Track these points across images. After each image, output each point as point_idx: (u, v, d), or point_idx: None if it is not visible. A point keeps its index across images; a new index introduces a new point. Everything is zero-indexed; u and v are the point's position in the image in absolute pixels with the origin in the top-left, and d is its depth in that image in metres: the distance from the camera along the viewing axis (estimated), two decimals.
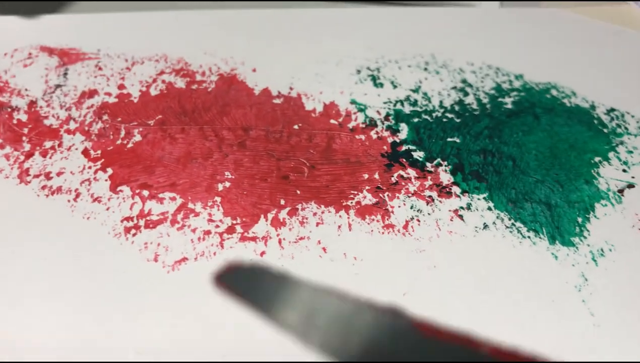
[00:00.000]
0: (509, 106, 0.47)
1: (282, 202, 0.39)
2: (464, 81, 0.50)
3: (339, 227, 0.38)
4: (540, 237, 0.38)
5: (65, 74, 0.49)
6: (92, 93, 0.48)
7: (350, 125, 0.45)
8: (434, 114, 0.46)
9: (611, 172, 0.43)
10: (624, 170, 0.43)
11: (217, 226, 0.38)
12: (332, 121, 0.46)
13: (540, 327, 0.34)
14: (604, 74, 0.52)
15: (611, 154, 0.44)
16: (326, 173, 0.42)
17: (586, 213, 0.39)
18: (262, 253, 0.36)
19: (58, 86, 0.49)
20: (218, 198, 0.39)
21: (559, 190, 0.41)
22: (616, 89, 0.50)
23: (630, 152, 0.44)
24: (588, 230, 0.39)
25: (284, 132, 0.44)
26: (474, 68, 0.51)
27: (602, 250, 0.37)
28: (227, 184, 0.40)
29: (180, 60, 0.51)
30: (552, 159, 0.43)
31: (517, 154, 0.43)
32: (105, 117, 0.45)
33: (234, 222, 0.38)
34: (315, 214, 0.39)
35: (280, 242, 0.37)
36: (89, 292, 0.35)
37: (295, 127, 0.45)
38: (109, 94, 0.49)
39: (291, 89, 0.48)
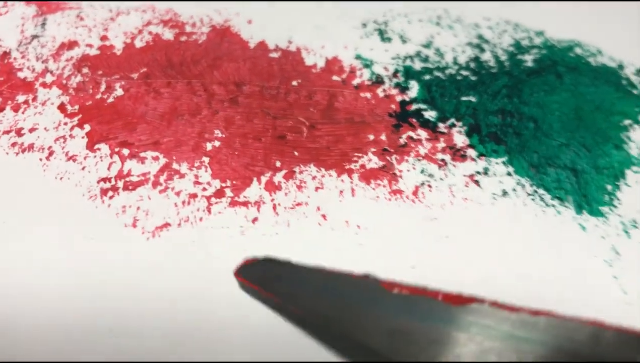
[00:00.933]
0: (529, 64, 0.42)
1: (278, 164, 0.35)
2: (480, 37, 0.44)
3: (341, 192, 0.33)
4: (565, 206, 0.33)
5: (43, 24, 0.44)
6: (71, 45, 0.45)
7: (355, 82, 0.40)
8: (447, 71, 0.41)
9: None
10: None
11: (205, 189, 0.33)
12: (334, 78, 0.41)
13: (567, 305, 0.29)
14: (633, 31, 0.45)
15: None
16: (327, 133, 0.36)
17: (616, 181, 0.35)
18: (254, 220, 0.32)
19: (35, 37, 0.45)
20: (206, 159, 0.34)
21: (586, 154, 0.36)
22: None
23: None
24: (619, 199, 0.34)
25: (281, 88, 0.39)
26: (491, 23, 0.46)
27: (635, 221, 0.33)
28: (217, 143, 0.35)
29: (169, 11, 0.45)
30: (577, 121, 0.38)
31: (539, 114, 0.38)
32: (85, 70, 0.41)
33: (224, 184, 0.33)
34: (314, 178, 0.34)
35: (274, 207, 0.32)
36: (58, 261, 0.32)
37: (294, 83, 0.40)
38: (90, 46, 0.45)
39: (290, 42, 0.43)
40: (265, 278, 0.29)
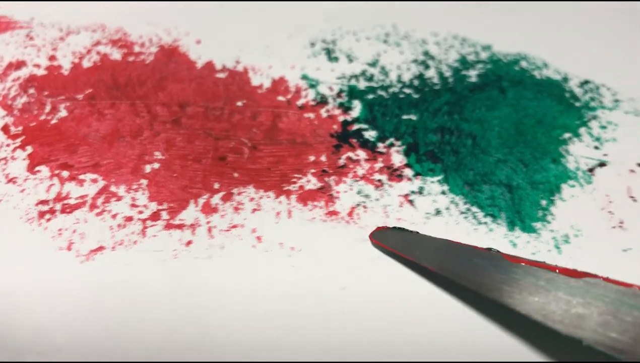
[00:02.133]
0: (473, 79, 0.43)
1: (217, 186, 0.35)
2: (426, 53, 0.45)
3: (278, 213, 0.34)
4: (498, 223, 0.33)
5: None
6: (19, 64, 0.44)
7: (300, 102, 0.41)
8: (390, 90, 0.42)
9: (582, 150, 0.38)
10: (596, 147, 0.38)
11: (141, 212, 0.33)
12: (279, 98, 0.41)
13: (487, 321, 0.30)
14: (578, 44, 0.46)
15: (582, 130, 0.40)
16: (269, 154, 0.37)
17: (551, 196, 0.35)
18: (188, 243, 0.32)
19: None
20: (144, 181, 0.34)
21: (523, 170, 0.36)
22: (591, 59, 0.45)
23: (604, 127, 0.40)
24: (552, 214, 0.34)
25: (225, 109, 0.40)
26: (438, 39, 0.46)
27: (567, 236, 0.33)
28: (156, 165, 0.35)
29: (119, 30, 0.46)
30: (517, 136, 0.38)
31: (479, 131, 0.38)
32: (31, 91, 0.40)
33: (160, 207, 0.34)
34: (252, 199, 0.34)
35: (210, 230, 0.33)
36: None
37: (239, 103, 0.40)
38: (38, 66, 0.45)
39: (237, 62, 0.44)
40: (399, 243, 0.33)
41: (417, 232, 0.33)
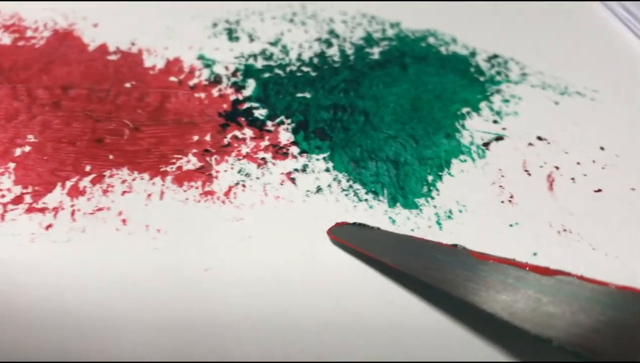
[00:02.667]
0: (376, 57, 0.40)
1: (88, 168, 0.33)
2: (331, 32, 0.43)
3: (149, 195, 0.31)
4: (379, 200, 0.31)
5: None
6: None
7: (192, 82, 0.39)
8: (288, 68, 0.39)
9: (480, 124, 0.36)
10: (495, 121, 0.36)
11: (3, 196, 0.31)
12: (171, 78, 0.39)
13: (364, 298, 0.30)
14: (488, 18, 0.44)
15: (483, 104, 0.38)
16: (151, 135, 0.35)
17: (440, 171, 0.32)
18: (48, 227, 0.29)
19: None
20: (12, 165, 0.32)
21: (413, 146, 0.34)
22: (503, 34, 0.43)
23: (507, 101, 0.38)
24: (438, 190, 0.31)
25: (111, 90, 0.38)
26: (347, 17, 0.44)
27: (450, 211, 0.31)
28: (27, 149, 0.33)
29: (14, 15, 0.43)
30: (412, 111, 0.36)
31: (373, 108, 0.36)
32: None
33: (24, 191, 0.31)
34: (124, 182, 0.32)
35: (73, 213, 0.30)
36: None
37: (127, 85, 0.38)
38: None
39: (133, 44, 0.41)
40: (358, 239, 0.31)
41: (379, 228, 0.31)
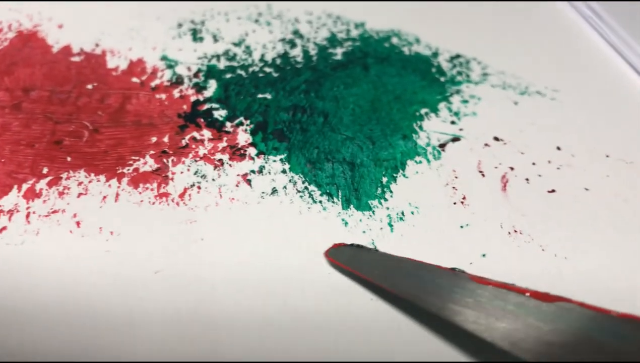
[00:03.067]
0: (339, 57, 0.41)
1: (45, 170, 0.33)
2: (295, 32, 0.43)
3: (104, 198, 0.32)
4: (333, 202, 0.31)
5: None
6: None
7: (154, 83, 0.39)
8: (250, 69, 0.39)
9: (437, 125, 0.36)
10: (453, 122, 0.36)
11: None
12: (133, 80, 0.39)
13: (310, 300, 0.30)
14: (454, 17, 0.44)
15: (442, 105, 0.38)
16: (110, 137, 0.35)
17: (394, 173, 0.33)
18: (2, 230, 0.29)
19: None
20: None
21: (369, 147, 0.34)
22: (467, 33, 0.43)
23: (465, 101, 0.38)
24: (392, 192, 0.32)
25: (73, 92, 0.38)
26: (312, 17, 0.44)
27: (402, 213, 0.31)
28: None
29: None
30: (371, 113, 0.36)
31: (332, 109, 0.36)
32: None
33: None
34: (80, 184, 0.32)
35: (28, 216, 0.30)
36: None
37: (89, 86, 0.38)
38: None
39: (97, 45, 0.41)
40: (355, 261, 0.30)
41: (376, 250, 0.31)
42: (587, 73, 0.44)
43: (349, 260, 0.30)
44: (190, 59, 0.42)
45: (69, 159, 0.35)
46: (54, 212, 0.32)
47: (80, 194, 0.33)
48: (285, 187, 0.34)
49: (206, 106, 0.38)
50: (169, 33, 0.44)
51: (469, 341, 0.26)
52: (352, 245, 0.31)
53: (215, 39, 0.43)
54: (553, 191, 0.34)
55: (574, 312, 0.23)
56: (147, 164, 0.35)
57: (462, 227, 0.31)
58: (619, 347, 0.21)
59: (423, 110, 0.38)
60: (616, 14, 0.47)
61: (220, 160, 0.35)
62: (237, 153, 0.35)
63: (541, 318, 0.23)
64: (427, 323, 0.27)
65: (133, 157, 0.35)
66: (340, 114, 0.37)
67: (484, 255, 0.30)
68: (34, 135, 0.36)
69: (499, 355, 0.24)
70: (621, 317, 0.22)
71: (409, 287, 0.26)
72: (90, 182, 0.34)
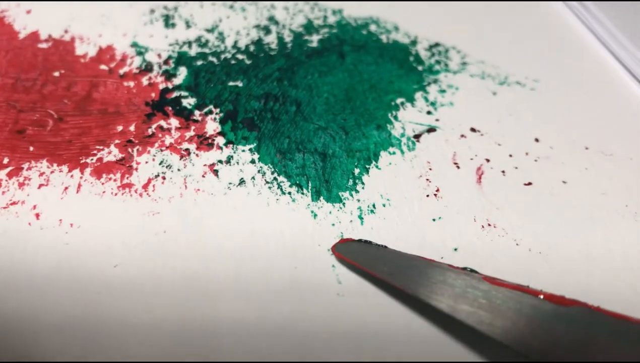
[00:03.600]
0: (314, 45, 0.39)
1: (6, 160, 0.31)
2: (270, 18, 0.41)
3: (66, 189, 0.30)
4: (303, 193, 0.29)
5: None
6: None
7: (122, 70, 0.37)
8: (222, 56, 0.38)
9: (413, 115, 0.35)
10: (429, 112, 0.35)
11: None
12: (102, 67, 0.37)
13: (281, 293, 0.29)
14: (433, 5, 0.43)
15: (418, 95, 0.36)
16: (75, 126, 0.33)
17: (367, 164, 0.31)
18: None
19: None
20: None
21: (342, 137, 0.33)
22: (446, 22, 0.41)
23: (443, 91, 0.37)
24: (363, 183, 0.30)
25: (38, 80, 0.36)
26: (288, 4, 0.42)
27: (373, 205, 0.29)
28: None
29: None
30: (346, 102, 0.35)
31: (305, 97, 0.35)
32: None
33: None
34: (42, 174, 0.31)
35: None
36: None
37: (56, 74, 0.36)
38: None
39: (66, 31, 0.39)
40: (364, 257, 0.29)
41: (385, 247, 0.30)
42: (568, 63, 0.42)
43: (358, 256, 0.29)
44: (161, 45, 0.40)
45: (31, 148, 0.34)
46: (13, 203, 0.31)
47: (41, 185, 0.32)
48: (253, 177, 0.32)
49: (175, 94, 0.37)
50: (141, 19, 0.43)
51: (484, 342, 0.26)
52: (359, 240, 0.31)
53: (188, 25, 0.42)
54: (529, 184, 0.33)
55: (590, 316, 0.22)
56: (112, 153, 0.33)
57: (434, 220, 0.30)
58: (635, 353, 0.21)
59: (399, 100, 0.37)
60: (600, 3, 0.45)
61: (187, 149, 0.34)
62: (204, 142, 0.34)
63: (557, 322, 0.22)
64: (438, 323, 0.27)
65: (97, 147, 0.34)
66: (314, 102, 0.36)
67: (455, 249, 0.29)
68: None
69: (513, 357, 0.24)
70: (639, 323, 0.21)
71: (420, 286, 0.26)
72: (52, 172, 0.32)
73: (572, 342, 0.22)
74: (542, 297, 0.23)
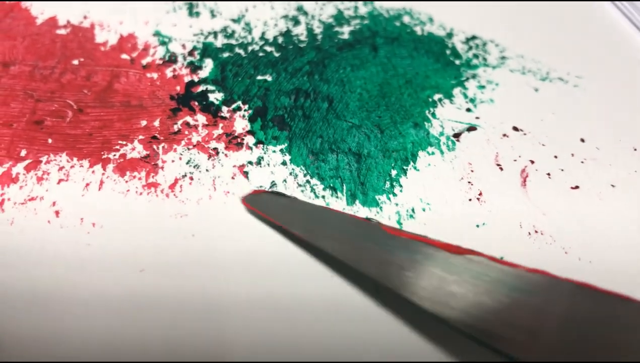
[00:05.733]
0: (345, 36, 0.37)
1: (24, 153, 0.29)
2: (299, 9, 0.39)
3: (87, 185, 0.28)
4: (337, 197, 0.27)
5: None
6: None
7: (145, 61, 0.34)
8: (250, 48, 0.35)
9: (451, 113, 0.32)
10: (468, 110, 0.33)
11: None
12: (123, 56, 0.35)
13: (321, 303, 0.27)
14: None
15: (457, 90, 0.34)
16: (96, 118, 0.31)
17: (405, 165, 0.29)
18: None
19: None
20: None
21: (377, 136, 0.30)
22: (483, 14, 0.39)
23: (482, 87, 0.34)
24: (401, 186, 0.28)
25: (57, 68, 0.34)
26: None
27: (413, 210, 0.27)
28: None
29: None
30: (380, 98, 0.33)
31: (338, 93, 0.33)
32: None
33: None
34: (61, 169, 0.29)
35: (2, 203, 0.27)
36: None
37: (75, 62, 0.34)
38: None
39: (85, 17, 0.37)
40: (270, 207, 0.30)
41: (295, 198, 0.31)
42: (613, 58, 0.40)
43: (267, 207, 0.30)
44: (185, 35, 0.38)
45: (49, 140, 0.32)
46: (32, 199, 0.29)
47: (60, 180, 0.30)
48: (285, 180, 0.30)
49: (201, 88, 0.34)
50: (163, 7, 0.40)
51: (379, 290, 0.27)
52: (271, 191, 0.31)
53: (213, 14, 0.40)
54: (577, 187, 0.30)
55: (481, 264, 0.23)
56: (136, 149, 0.31)
57: (478, 226, 0.28)
58: (523, 300, 0.22)
59: (436, 96, 0.35)
60: None
61: (215, 149, 0.31)
62: (233, 141, 0.32)
63: (447, 269, 0.23)
64: (335, 269, 0.28)
65: (120, 142, 0.32)
66: (347, 99, 0.34)
67: (502, 258, 0.26)
68: (13, 114, 0.33)
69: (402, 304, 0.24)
70: (530, 272, 0.23)
71: (322, 234, 0.28)
72: (72, 167, 0.30)
73: (460, 287, 0.23)
74: (438, 246, 0.24)
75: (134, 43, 0.38)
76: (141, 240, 0.29)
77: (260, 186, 0.30)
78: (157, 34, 0.38)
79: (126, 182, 0.30)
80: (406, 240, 0.25)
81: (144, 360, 0.24)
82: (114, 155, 0.31)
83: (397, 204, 0.30)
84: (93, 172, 0.31)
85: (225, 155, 0.32)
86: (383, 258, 0.25)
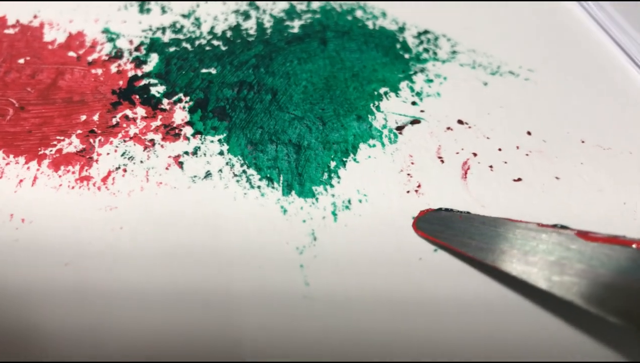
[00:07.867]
0: (295, 30, 0.36)
1: None
2: (251, 4, 0.38)
3: (20, 181, 0.28)
4: (273, 187, 0.27)
5: None
6: None
7: (91, 57, 0.34)
8: (197, 42, 0.35)
9: (396, 106, 0.32)
10: (414, 103, 0.32)
11: None
12: (70, 54, 0.34)
13: (243, 295, 0.27)
14: None
15: (403, 84, 0.33)
16: (36, 115, 0.31)
17: (344, 156, 0.28)
18: None
19: None
20: None
21: (319, 128, 0.30)
22: (437, 8, 0.38)
23: (430, 80, 0.33)
24: (339, 177, 0.27)
25: (1, 67, 0.33)
26: None
27: (349, 201, 0.27)
28: None
29: None
30: (325, 91, 0.32)
31: (282, 86, 0.32)
32: None
33: None
34: None
35: None
36: None
37: (21, 61, 0.33)
38: None
39: (35, 17, 0.37)
40: (440, 229, 0.28)
41: (468, 212, 0.28)
42: (565, 52, 0.39)
43: (439, 231, 0.28)
44: (134, 31, 0.38)
45: None
46: None
47: None
48: (220, 170, 0.29)
49: (143, 82, 0.33)
50: (115, 4, 0.40)
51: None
52: (439, 209, 0.29)
53: (164, 10, 0.39)
54: (519, 180, 0.29)
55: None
56: (72, 144, 0.30)
57: (413, 217, 0.27)
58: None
59: (382, 90, 0.34)
60: None
61: (151, 140, 0.31)
62: (171, 133, 0.31)
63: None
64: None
65: (58, 137, 0.31)
66: (291, 91, 0.33)
67: (435, 250, 0.25)
68: None
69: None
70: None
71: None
72: (7, 164, 0.30)
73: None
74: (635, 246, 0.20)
75: (82, 41, 0.38)
76: (68, 234, 0.28)
77: (428, 207, 0.29)
78: (106, 31, 0.38)
79: (60, 176, 0.30)
80: (604, 246, 0.21)
81: (68, 354, 0.24)
82: (51, 150, 0.31)
83: (333, 195, 0.29)
84: (28, 168, 0.30)
85: (162, 146, 0.31)
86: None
